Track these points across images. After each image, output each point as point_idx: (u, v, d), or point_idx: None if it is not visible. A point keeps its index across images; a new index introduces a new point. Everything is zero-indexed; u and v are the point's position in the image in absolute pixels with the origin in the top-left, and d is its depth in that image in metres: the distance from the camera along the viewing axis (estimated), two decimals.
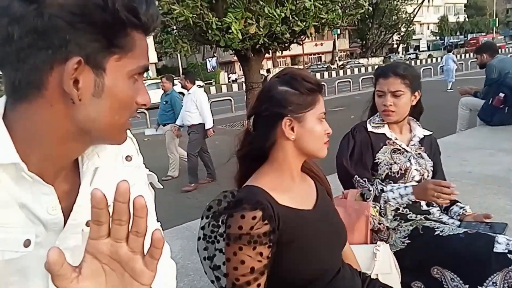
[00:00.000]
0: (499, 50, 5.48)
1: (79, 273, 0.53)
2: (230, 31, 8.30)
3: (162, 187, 0.93)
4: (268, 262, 0.95)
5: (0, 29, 0.56)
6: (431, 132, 1.85)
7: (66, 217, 0.70)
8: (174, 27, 9.33)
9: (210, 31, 8.49)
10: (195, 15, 8.11)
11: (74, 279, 0.52)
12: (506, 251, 1.33)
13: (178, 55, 15.26)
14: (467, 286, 1.35)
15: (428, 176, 1.74)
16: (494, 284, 1.31)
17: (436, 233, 1.51)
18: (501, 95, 4.23)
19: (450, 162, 3.18)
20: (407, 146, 1.77)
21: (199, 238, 1.08)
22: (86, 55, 0.57)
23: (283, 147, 1.05)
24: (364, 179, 1.71)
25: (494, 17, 41.98)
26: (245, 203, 0.95)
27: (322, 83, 1.14)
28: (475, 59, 4.95)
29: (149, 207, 0.86)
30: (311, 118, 1.04)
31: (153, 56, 33.45)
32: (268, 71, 14.13)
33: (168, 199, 4.74)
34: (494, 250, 1.34)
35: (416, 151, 1.77)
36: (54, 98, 0.59)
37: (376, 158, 1.72)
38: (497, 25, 42.70)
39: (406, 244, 1.54)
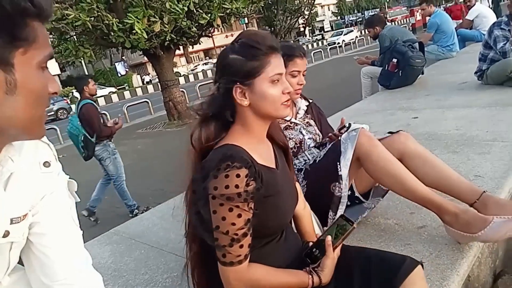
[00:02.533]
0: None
1: None
2: (134, 31, 7.99)
3: (79, 200, 0.90)
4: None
5: None
6: (311, 100, 2.02)
7: None
8: (73, 33, 8.74)
9: (112, 33, 8.09)
10: (92, 18, 7.65)
11: None
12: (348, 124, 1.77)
13: (83, 62, 14.32)
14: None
15: (320, 139, 1.91)
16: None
17: (318, 160, 1.72)
18: (394, 60, 4.65)
19: None
20: (296, 119, 1.90)
21: (193, 203, 1.06)
22: None
23: (243, 111, 1.08)
24: None
25: None
26: (235, 161, 0.97)
27: None
28: (368, 32, 5.37)
29: (72, 214, 0.84)
30: (261, 83, 1.05)
31: (54, 68, 30.94)
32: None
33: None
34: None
35: (303, 120, 1.92)
36: None
37: None
38: (388, 0, 46.42)
39: (306, 186, 1.70)
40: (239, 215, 0.97)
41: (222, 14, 9.49)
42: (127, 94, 27.33)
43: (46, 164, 0.78)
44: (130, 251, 2.11)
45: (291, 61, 1.76)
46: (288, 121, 1.87)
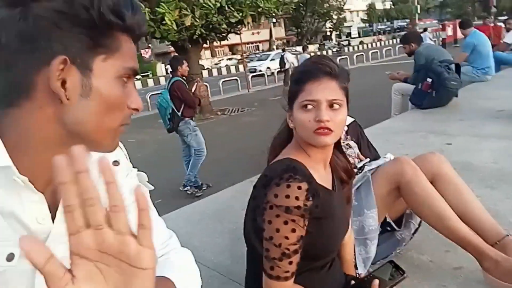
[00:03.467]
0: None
1: (73, 276, 0.42)
2: (164, 22, 8.04)
3: (153, 187, 0.90)
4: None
5: None
6: (353, 119, 1.95)
7: None
8: None
9: None
10: None
11: (69, 282, 0.41)
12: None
13: None
14: None
15: (358, 162, 1.84)
16: None
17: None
18: (429, 80, 4.53)
19: (388, 146, 3.37)
20: None
21: (251, 209, 1.09)
22: (72, 55, 0.57)
23: (295, 133, 1.11)
24: None
25: (416, 4, 44.95)
26: (298, 174, 0.97)
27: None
28: (404, 48, 5.23)
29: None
30: (296, 108, 1.07)
31: None
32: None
33: None
34: None
35: (343, 142, 1.86)
36: (43, 100, 0.58)
37: None
38: (418, 11, 45.71)
39: None
40: (293, 230, 0.96)
41: (254, 13, 9.47)
42: (150, 82, 27.60)
43: (115, 163, 0.79)
44: None
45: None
46: None
